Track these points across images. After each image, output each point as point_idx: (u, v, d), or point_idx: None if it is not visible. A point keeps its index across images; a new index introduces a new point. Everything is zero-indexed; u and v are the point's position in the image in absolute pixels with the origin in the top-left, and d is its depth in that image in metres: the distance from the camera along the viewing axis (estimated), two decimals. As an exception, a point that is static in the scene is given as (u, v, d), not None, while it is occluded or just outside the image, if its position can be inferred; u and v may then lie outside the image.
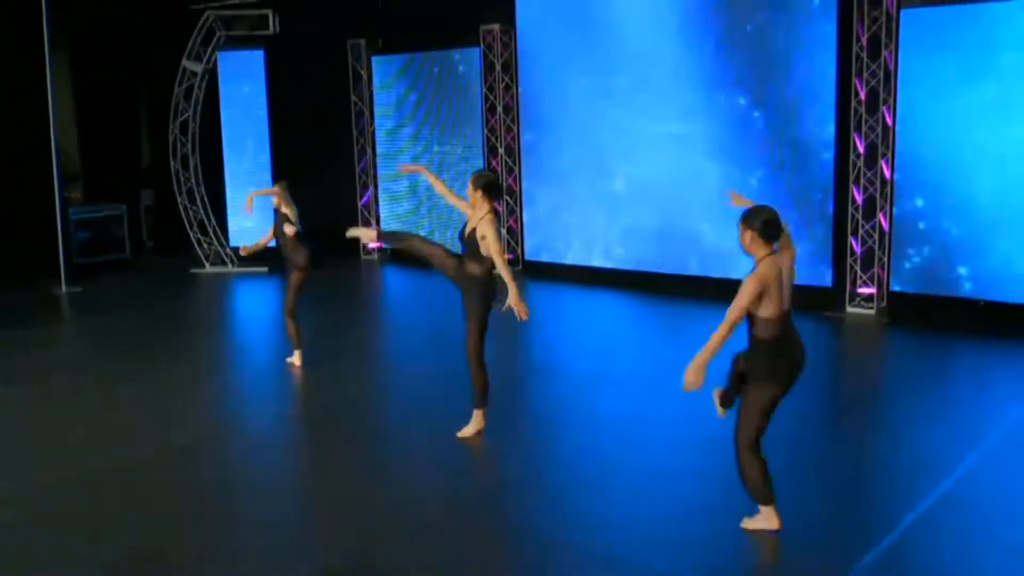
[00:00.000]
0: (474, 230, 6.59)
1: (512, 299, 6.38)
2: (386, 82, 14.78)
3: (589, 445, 6.89)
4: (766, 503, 5.34)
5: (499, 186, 6.78)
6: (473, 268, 6.64)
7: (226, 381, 9.00)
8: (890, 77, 10.33)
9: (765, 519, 5.37)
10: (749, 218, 5.19)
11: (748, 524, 5.43)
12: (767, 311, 5.07)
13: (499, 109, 13.50)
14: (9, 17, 13.78)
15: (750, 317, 5.12)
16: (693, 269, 11.97)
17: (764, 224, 5.14)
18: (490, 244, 6.50)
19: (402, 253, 7.30)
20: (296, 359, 9.09)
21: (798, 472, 6.26)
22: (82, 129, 15.92)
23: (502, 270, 6.49)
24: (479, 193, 6.61)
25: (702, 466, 6.37)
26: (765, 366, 5.16)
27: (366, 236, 7.60)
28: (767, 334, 5.11)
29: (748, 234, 5.17)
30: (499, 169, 13.63)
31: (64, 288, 13.15)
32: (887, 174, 10.48)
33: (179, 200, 14.67)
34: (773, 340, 5.11)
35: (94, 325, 11.54)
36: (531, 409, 7.96)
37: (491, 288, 6.71)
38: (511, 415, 7.55)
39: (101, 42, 15.48)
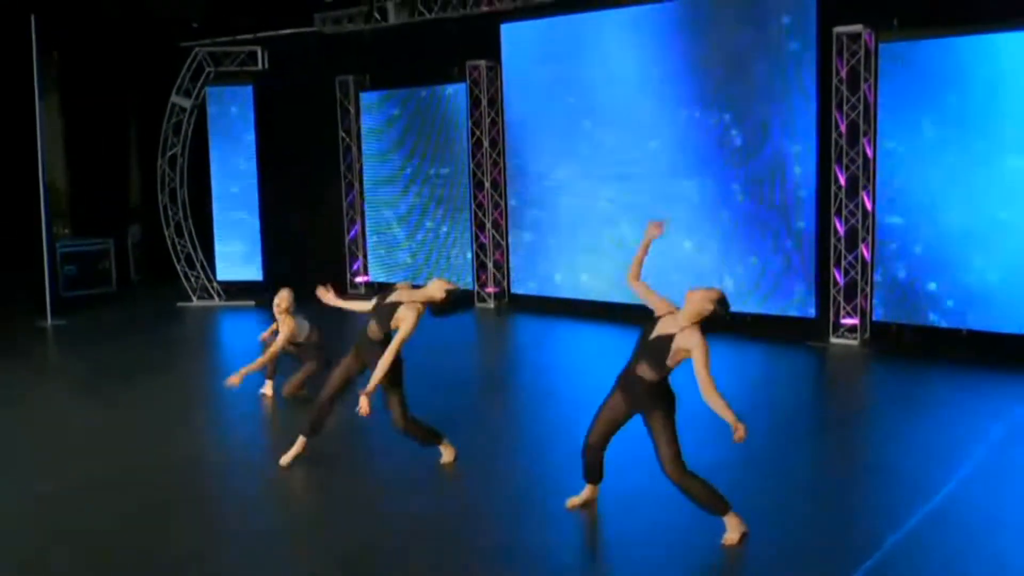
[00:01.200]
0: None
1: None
2: (373, 118, 14.87)
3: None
4: (724, 512, 5.48)
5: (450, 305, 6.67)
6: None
7: (211, 412, 8.89)
8: (869, 109, 10.45)
9: (735, 528, 5.46)
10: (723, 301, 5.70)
11: (726, 540, 5.48)
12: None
13: (485, 143, 13.58)
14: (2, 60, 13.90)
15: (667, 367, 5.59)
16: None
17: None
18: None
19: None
20: (267, 389, 9.06)
21: (782, 496, 6.26)
22: (70, 164, 15.98)
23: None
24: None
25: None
26: (670, 399, 5.67)
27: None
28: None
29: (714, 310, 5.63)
30: (485, 203, 13.70)
31: (49, 321, 13.09)
32: (868, 206, 10.56)
33: (167, 234, 14.67)
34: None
35: (76, 357, 11.48)
36: (519, 435, 7.93)
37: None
38: (498, 440, 7.53)
39: (90, 77, 15.57)
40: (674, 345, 5.54)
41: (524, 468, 7.01)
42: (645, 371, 5.62)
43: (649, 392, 5.60)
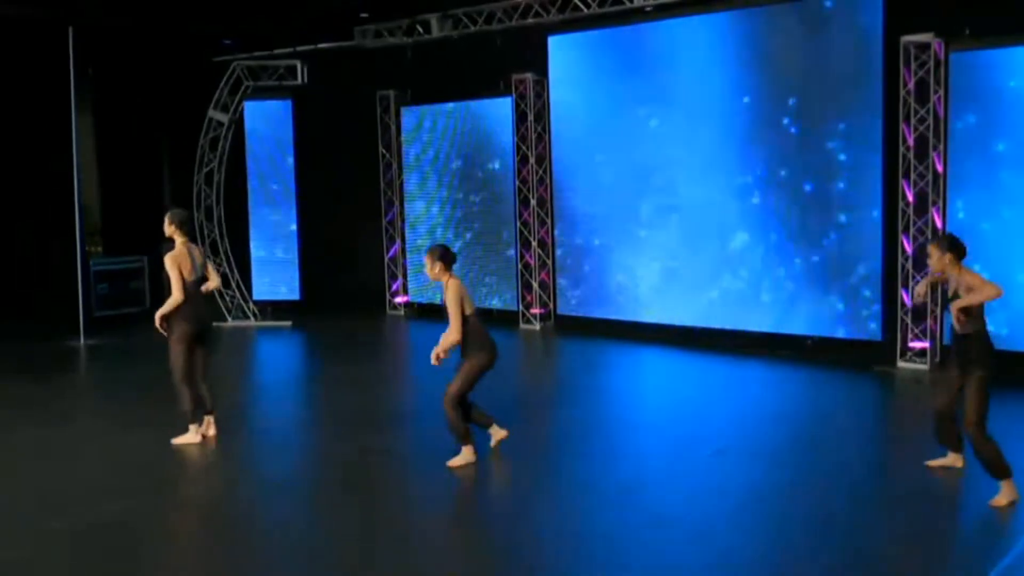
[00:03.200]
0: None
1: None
2: (414, 133, 14.62)
3: (628, 497, 6.49)
4: (1004, 477, 6.17)
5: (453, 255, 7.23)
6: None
7: (243, 435, 8.55)
8: (939, 122, 10.05)
9: (1007, 494, 6.15)
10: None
11: (994, 502, 6.15)
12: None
13: (531, 159, 13.27)
14: (35, 70, 13.77)
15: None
16: (730, 323, 11.63)
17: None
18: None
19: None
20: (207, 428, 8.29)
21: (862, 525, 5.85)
22: (103, 181, 15.81)
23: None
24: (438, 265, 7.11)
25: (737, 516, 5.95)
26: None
27: None
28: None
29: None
30: (531, 220, 13.37)
31: (82, 340, 12.88)
32: (938, 223, 10.14)
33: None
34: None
35: (109, 377, 11.25)
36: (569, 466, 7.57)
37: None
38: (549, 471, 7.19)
39: (126, 93, 15.44)
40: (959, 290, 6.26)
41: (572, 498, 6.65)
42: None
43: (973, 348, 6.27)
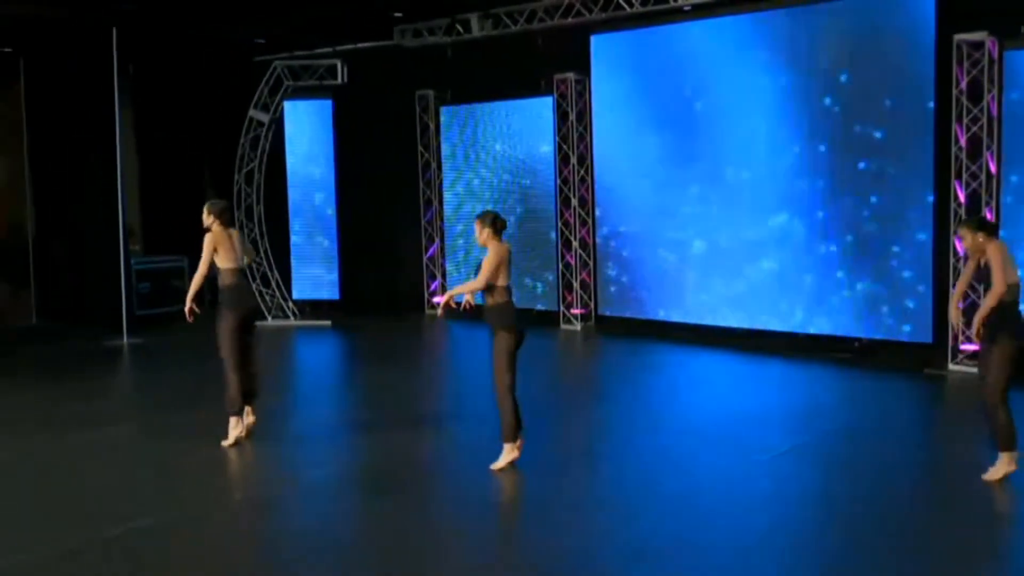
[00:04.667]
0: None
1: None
2: (454, 132, 14.55)
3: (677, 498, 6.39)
4: (1007, 450, 6.44)
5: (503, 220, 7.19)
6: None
7: (283, 435, 8.46)
8: (993, 122, 9.87)
9: (1004, 465, 6.44)
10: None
11: (988, 476, 6.47)
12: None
13: (572, 159, 13.17)
14: (78, 70, 13.80)
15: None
16: (775, 325, 11.50)
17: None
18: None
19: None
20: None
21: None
22: (143, 179, 15.83)
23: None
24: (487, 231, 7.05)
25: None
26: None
27: None
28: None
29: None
30: (572, 220, 13.27)
31: (125, 339, 12.90)
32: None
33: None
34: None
35: (153, 377, 11.24)
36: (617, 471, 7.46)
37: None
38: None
39: (167, 93, 15.45)
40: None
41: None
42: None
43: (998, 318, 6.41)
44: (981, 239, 6.47)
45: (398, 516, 6.27)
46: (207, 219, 7.96)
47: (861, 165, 10.76)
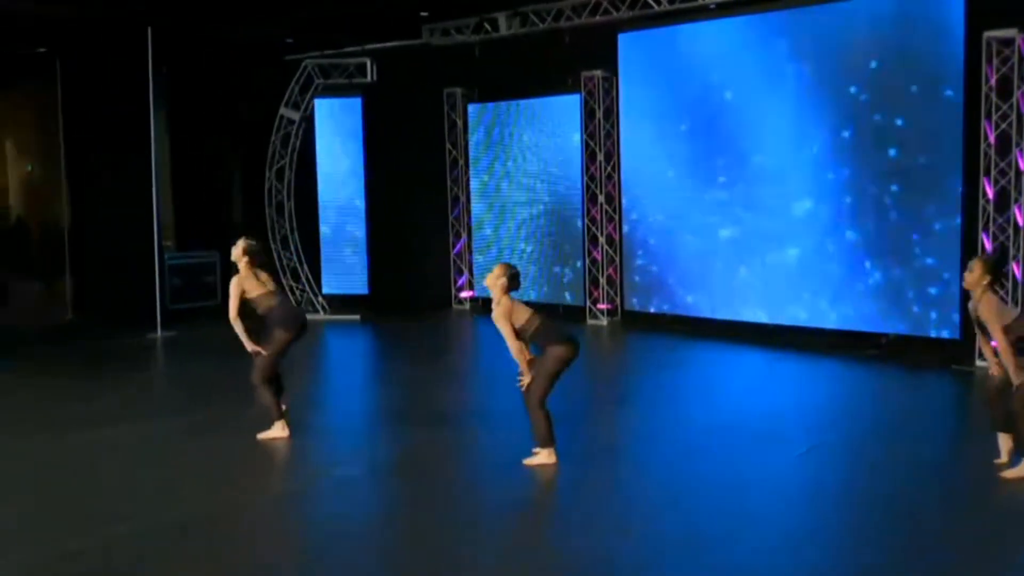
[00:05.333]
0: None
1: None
2: (481, 130, 14.55)
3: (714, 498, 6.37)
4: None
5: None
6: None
7: (316, 429, 8.46)
8: (1022, 119, 9.78)
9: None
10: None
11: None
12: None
13: (599, 156, 13.15)
14: (114, 69, 13.90)
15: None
16: (803, 320, 11.45)
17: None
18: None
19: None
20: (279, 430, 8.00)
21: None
22: (175, 177, 15.93)
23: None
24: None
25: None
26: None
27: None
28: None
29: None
30: (598, 217, 13.25)
31: (159, 333, 13.00)
32: (1020, 221, 9.88)
33: (273, 247, 14.52)
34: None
35: (187, 370, 11.31)
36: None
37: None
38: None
39: (199, 91, 15.53)
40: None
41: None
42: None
43: None
44: (985, 283, 6.32)
45: (426, 511, 6.27)
46: (237, 255, 7.70)
47: (891, 164, 10.66)
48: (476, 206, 14.77)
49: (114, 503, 6.47)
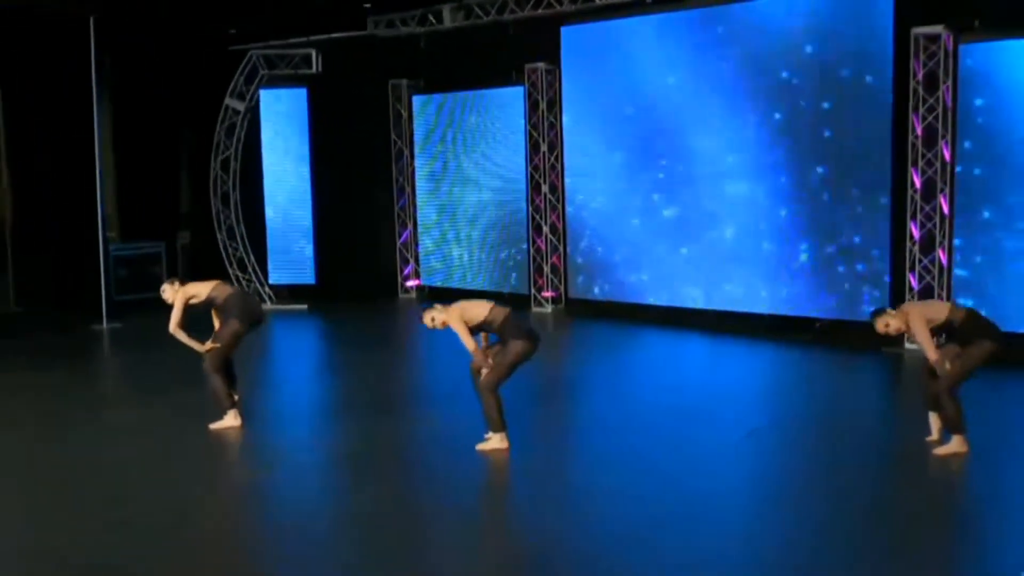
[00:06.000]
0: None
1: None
2: (426, 121, 14.51)
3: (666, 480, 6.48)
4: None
5: None
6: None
7: (268, 418, 8.39)
8: (947, 112, 10.04)
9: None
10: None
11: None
12: None
13: (543, 147, 13.20)
14: (55, 60, 13.56)
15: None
16: (740, 306, 11.63)
17: None
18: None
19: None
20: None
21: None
22: (119, 168, 15.60)
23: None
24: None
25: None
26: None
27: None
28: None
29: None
30: (542, 206, 13.31)
31: (105, 324, 12.76)
32: (945, 209, 10.15)
33: (219, 237, 14.33)
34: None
35: (134, 360, 11.15)
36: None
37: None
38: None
39: (142, 82, 15.21)
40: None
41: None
42: None
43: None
44: (894, 318, 6.74)
45: (380, 500, 6.27)
46: (170, 296, 7.71)
47: (823, 151, 10.86)
48: (422, 196, 14.72)
49: (70, 498, 6.38)
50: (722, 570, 5.06)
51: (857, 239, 10.69)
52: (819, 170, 10.91)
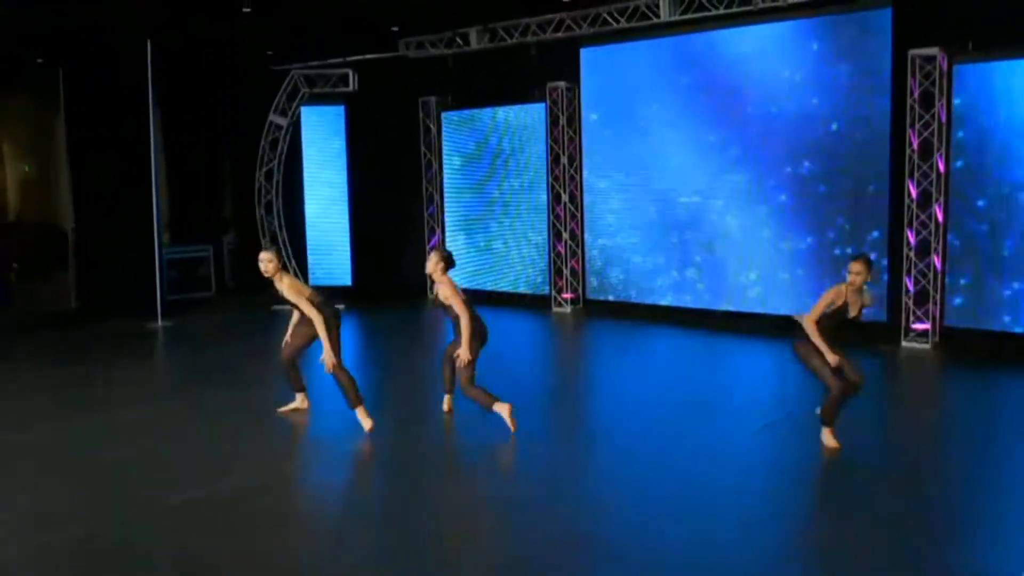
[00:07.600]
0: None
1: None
2: (454, 134, 14.68)
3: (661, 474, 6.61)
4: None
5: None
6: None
7: (307, 414, 8.45)
8: (942, 128, 10.15)
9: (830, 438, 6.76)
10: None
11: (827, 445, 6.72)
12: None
13: (563, 159, 13.36)
14: (116, 80, 13.80)
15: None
16: (749, 306, 11.75)
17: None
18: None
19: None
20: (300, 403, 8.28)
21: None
22: (170, 178, 15.84)
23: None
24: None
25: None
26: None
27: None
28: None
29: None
30: (562, 214, 13.47)
31: (159, 322, 12.97)
32: (940, 217, 10.26)
33: (263, 243, 14.48)
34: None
35: (187, 357, 11.32)
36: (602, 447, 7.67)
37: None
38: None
39: (192, 100, 15.45)
40: None
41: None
42: None
43: None
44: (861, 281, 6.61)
45: (398, 495, 6.26)
46: (269, 267, 7.80)
47: (825, 163, 10.98)
48: (449, 205, 14.89)
49: (128, 484, 6.43)
50: (736, 562, 5.06)
51: (858, 244, 10.81)
52: (821, 189, 11.05)
